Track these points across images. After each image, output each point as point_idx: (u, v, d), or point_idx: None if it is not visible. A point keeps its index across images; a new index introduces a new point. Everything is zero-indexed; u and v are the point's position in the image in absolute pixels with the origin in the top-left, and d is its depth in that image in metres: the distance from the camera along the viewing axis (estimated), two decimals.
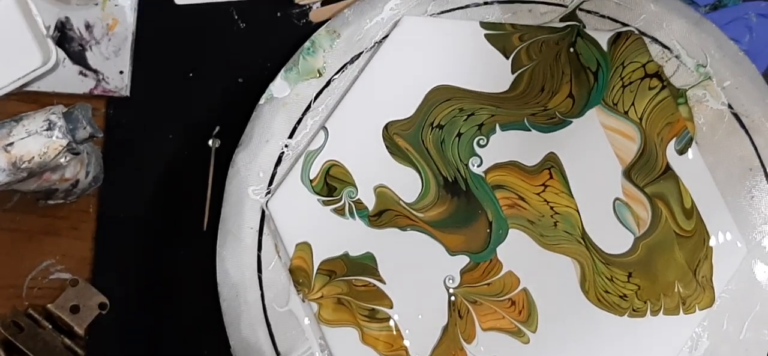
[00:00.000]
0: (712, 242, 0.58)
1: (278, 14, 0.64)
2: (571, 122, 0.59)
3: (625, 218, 0.58)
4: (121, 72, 0.63)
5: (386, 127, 0.60)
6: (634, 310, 0.57)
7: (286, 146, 0.61)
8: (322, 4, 0.63)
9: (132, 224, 0.63)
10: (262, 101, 0.61)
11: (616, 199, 0.58)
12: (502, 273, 0.58)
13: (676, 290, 0.57)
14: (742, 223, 0.58)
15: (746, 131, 0.59)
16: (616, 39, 0.59)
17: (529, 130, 0.59)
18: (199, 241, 0.62)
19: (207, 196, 0.63)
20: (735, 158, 0.59)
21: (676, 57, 0.59)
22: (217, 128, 0.63)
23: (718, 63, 0.59)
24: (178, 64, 0.64)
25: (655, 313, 0.57)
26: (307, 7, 0.64)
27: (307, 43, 0.61)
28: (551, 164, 0.59)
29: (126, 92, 0.63)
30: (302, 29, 0.63)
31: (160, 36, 0.64)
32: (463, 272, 0.58)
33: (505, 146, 0.59)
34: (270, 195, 0.60)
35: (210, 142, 0.63)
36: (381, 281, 0.59)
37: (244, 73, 0.63)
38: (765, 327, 0.57)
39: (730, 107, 0.59)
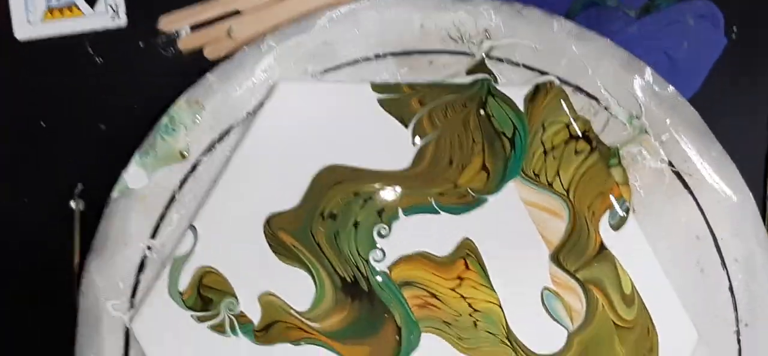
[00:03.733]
0: (657, 332, 0.49)
1: (141, 44, 0.54)
2: (487, 199, 0.49)
3: (555, 310, 0.50)
4: None
5: (268, 221, 0.49)
6: None
7: (148, 248, 0.50)
8: (192, 30, 0.54)
9: None
10: (114, 194, 0.51)
11: (545, 288, 0.49)
12: None
13: None
14: (691, 304, 0.50)
15: (690, 192, 0.50)
16: (533, 94, 0.50)
17: (438, 212, 0.49)
18: (65, 322, 0.52)
19: (74, 268, 0.53)
20: (679, 225, 0.50)
21: (605, 108, 0.50)
22: (80, 186, 0.54)
23: (654, 111, 0.50)
24: (27, 113, 0.55)
25: None
26: (175, 34, 0.54)
27: (164, 120, 0.50)
28: (467, 253, 0.49)
29: None
30: (170, 62, 0.54)
31: (1, 81, 0.55)
32: None
33: (411, 235, 0.49)
34: (134, 311, 0.50)
35: (72, 204, 0.54)
36: None
37: (106, 117, 0.54)
38: None
39: (670, 164, 0.50)
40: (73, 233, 0.54)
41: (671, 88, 0.50)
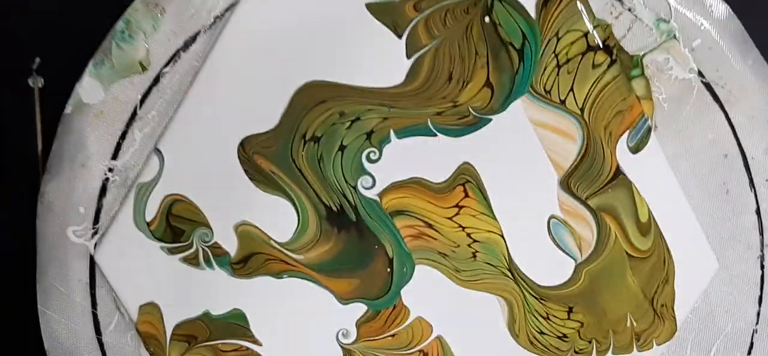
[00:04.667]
0: (674, 261, 0.45)
1: None
2: (491, 119, 0.43)
3: (563, 240, 0.45)
4: None
5: (242, 144, 0.44)
6: (576, 352, 0.46)
7: (110, 170, 0.45)
8: None
9: None
10: (68, 110, 0.44)
11: (552, 217, 0.44)
12: (410, 320, 0.45)
13: (628, 324, 0.45)
14: (712, 229, 0.45)
15: (721, 106, 0.44)
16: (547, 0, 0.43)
17: (435, 134, 0.44)
18: (32, 214, 0.47)
19: (37, 151, 0.48)
20: (705, 143, 0.45)
21: (629, 10, 0.43)
22: (38, 61, 0.48)
23: (686, 13, 0.43)
24: None
25: (602, 353, 0.46)
26: None
27: (119, 24, 0.43)
28: (466, 179, 0.44)
29: None
30: None
31: None
32: (359, 323, 0.45)
33: (405, 159, 0.44)
34: (98, 238, 0.45)
35: (30, 81, 0.48)
36: (255, 342, 0.45)
37: None
38: (736, 349, 0.47)
39: (700, 74, 0.44)
40: (34, 113, 0.49)
41: None
